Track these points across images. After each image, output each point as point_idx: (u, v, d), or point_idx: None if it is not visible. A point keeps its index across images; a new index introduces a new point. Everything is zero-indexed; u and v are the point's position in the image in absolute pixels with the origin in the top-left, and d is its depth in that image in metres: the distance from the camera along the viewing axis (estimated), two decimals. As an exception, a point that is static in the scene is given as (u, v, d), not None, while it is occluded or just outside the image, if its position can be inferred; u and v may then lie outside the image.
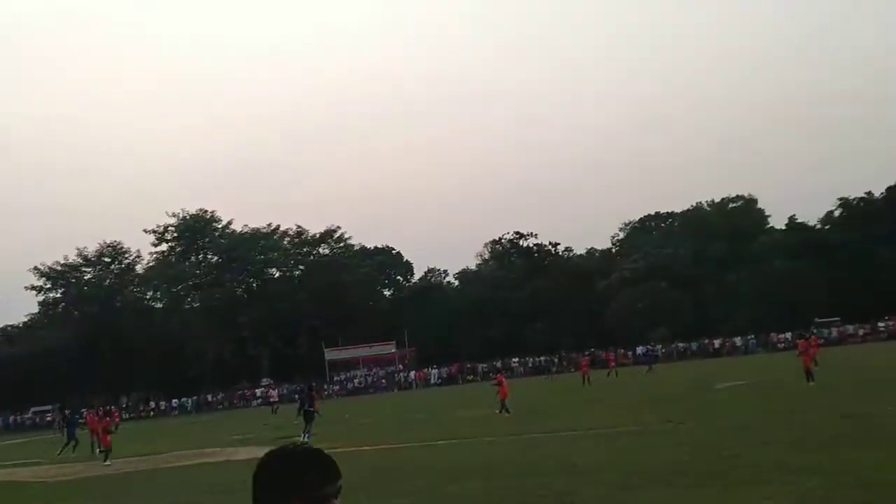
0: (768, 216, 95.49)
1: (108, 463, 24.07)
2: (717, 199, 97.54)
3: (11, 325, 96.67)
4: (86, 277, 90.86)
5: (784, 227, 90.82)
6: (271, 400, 54.15)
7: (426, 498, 11.27)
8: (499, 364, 67.45)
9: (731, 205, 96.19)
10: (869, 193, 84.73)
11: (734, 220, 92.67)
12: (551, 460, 13.76)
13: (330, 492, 1.82)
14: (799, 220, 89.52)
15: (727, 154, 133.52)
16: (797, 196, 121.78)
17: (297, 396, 26.60)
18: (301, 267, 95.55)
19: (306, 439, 22.15)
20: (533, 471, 12.73)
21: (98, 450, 28.47)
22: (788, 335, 66.99)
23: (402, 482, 13.24)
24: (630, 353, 74.54)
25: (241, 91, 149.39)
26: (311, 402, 24.76)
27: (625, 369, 57.06)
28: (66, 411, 40.70)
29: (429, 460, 16.16)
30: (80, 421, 35.55)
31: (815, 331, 61.52)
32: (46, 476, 22.53)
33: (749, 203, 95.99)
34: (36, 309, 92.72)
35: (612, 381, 44.26)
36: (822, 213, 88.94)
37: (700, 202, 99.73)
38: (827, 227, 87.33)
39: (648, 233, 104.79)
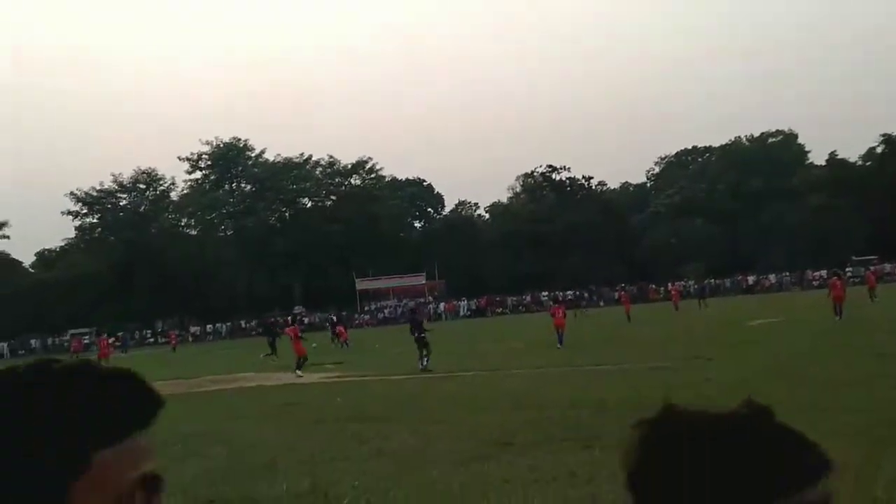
0: (808, 151, 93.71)
1: (300, 374, 23.62)
2: (757, 134, 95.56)
3: (49, 249, 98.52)
4: (121, 203, 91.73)
5: (824, 163, 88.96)
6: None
7: (453, 427, 11.32)
8: (559, 295, 63.70)
9: (770, 139, 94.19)
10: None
11: (773, 155, 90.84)
12: (578, 395, 13.71)
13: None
14: (839, 157, 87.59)
15: (768, 88, 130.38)
16: (838, 132, 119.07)
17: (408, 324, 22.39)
18: (333, 197, 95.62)
19: (425, 364, 21.75)
20: (558, 404, 12.70)
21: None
22: (824, 272, 66.16)
23: (429, 411, 13.30)
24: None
25: (275, 19, 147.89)
26: (421, 327, 22.83)
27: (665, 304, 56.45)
28: (271, 320, 43.00)
29: (456, 391, 16.23)
30: (279, 332, 35.34)
31: (871, 268, 60.44)
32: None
33: (789, 138, 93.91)
34: (72, 234, 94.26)
35: (672, 314, 43.42)
36: (863, 150, 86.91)
37: (739, 136, 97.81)
38: (868, 163, 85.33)
39: (684, 167, 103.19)
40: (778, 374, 14.62)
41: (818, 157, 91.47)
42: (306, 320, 71.52)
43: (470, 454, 9.22)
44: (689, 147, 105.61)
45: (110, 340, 71.07)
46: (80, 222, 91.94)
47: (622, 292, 55.68)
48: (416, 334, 22.57)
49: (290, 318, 34.29)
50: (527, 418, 11.54)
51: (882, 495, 6.40)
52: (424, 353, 22.11)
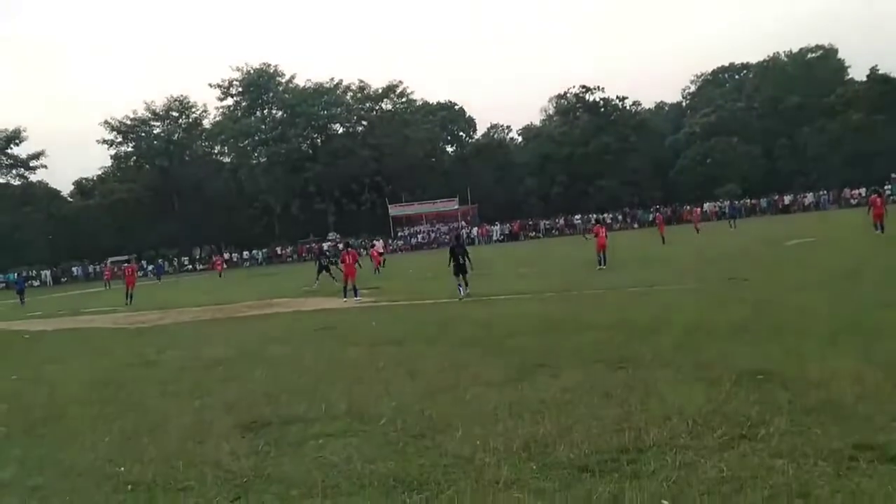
0: (848, 67, 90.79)
1: (345, 299, 23.53)
2: (796, 50, 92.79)
3: (86, 178, 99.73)
4: (155, 131, 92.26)
5: (864, 79, 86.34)
6: (379, 252, 45.26)
7: (487, 350, 11.45)
8: (594, 217, 63.21)
9: (809, 55, 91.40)
10: (960, 43, 79.33)
11: (812, 71, 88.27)
12: (612, 317, 13.76)
13: None
14: (881, 72, 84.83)
15: (807, 2, 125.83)
16: (880, 47, 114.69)
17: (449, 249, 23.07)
18: (364, 123, 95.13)
19: (465, 292, 21.21)
20: (593, 326, 12.77)
21: None
22: (862, 191, 65.03)
23: (463, 335, 13.44)
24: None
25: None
26: (465, 253, 22.02)
27: (705, 225, 55.80)
28: (321, 246, 43.93)
29: (490, 314, 16.36)
30: (333, 261, 34.48)
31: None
32: (126, 323, 23.58)
33: (829, 53, 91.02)
34: (109, 162, 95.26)
35: (697, 237, 42.77)
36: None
37: (777, 52, 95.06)
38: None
39: (721, 86, 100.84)
40: (817, 293, 14.51)
41: (859, 73, 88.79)
42: (340, 246, 72.36)
43: (504, 376, 9.35)
44: (726, 64, 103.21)
45: (150, 268, 72.54)
46: (115, 151, 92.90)
47: (657, 214, 55.46)
48: (462, 259, 21.88)
49: (344, 244, 34.36)
50: (561, 340, 11.63)
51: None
52: (464, 280, 21.71)
